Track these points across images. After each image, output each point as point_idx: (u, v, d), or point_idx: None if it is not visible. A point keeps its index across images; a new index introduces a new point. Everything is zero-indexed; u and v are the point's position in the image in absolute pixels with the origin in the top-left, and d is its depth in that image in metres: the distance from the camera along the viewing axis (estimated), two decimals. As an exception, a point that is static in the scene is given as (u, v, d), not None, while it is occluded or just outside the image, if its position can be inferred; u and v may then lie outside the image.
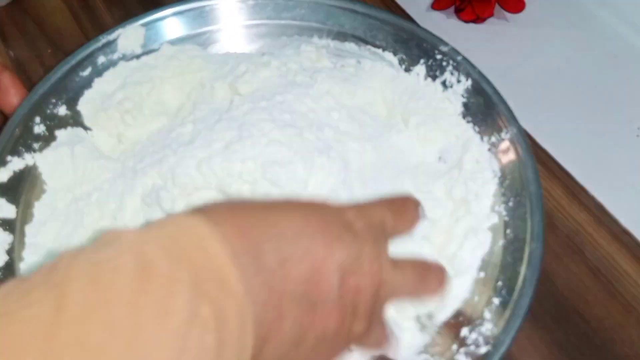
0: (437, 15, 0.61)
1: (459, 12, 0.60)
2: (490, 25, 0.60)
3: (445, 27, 0.60)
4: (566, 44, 0.59)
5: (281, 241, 0.28)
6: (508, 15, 0.61)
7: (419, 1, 0.62)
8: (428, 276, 0.34)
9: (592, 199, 0.48)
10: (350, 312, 0.30)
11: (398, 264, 0.33)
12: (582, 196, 0.48)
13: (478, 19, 0.60)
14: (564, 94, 0.55)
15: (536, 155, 0.44)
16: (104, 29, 0.60)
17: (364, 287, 0.30)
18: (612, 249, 0.45)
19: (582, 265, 0.45)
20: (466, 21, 0.60)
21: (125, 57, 0.51)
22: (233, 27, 0.54)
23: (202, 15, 0.53)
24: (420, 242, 0.41)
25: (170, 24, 0.52)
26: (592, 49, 0.58)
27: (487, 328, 0.38)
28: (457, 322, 0.39)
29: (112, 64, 0.51)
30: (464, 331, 0.38)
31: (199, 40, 0.53)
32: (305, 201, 0.31)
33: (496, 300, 0.39)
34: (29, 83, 0.56)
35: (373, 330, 0.32)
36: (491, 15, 0.60)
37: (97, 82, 0.50)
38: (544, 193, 0.42)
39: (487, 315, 0.38)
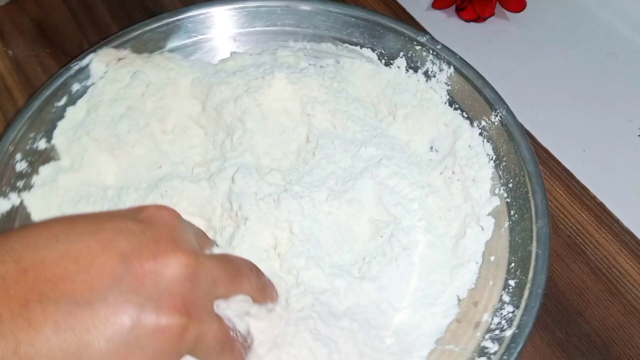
0: (438, 15, 0.61)
1: (459, 11, 0.60)
2: (491, 25, 0.60)
3: (445, 26, 0.60)
4: (567, 43, 0.59)
5: (28, 246, 0.26)
6: (509, 14, 0.61)
7: (419, 0, 0.62)
8: (242, 265, 0.32)
9: (593, 198, 0.48)
10: (151, 302, 0.26)
11: (209, 254, 0.30)
12: (583, 196, 0.48)
13: (479, 18, 0.60)
14: (565, 93, 0.55)
15: (537, 154, 0.44)
16: (103, 28, 0.60)
17: (163, 270, 0.27)
18: (613, 249, 0.45)
19: (584, 265, 0.45)
20: (467, 20, 0.60)
21: (98, 82, 0.48)
22: (208, 39, 0.52)
23: (175, 30, 0.52)
24: (423, 232, 0.41)
25: (144, 39, 0.51)
26: (592, 48, 0.58)
27: (509, 311, 0.37)
28: (476, 309, 0.38)
29: (86, 90, 0.48)
30: (485, 317, 0.38)
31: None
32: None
33: (512, 282, 0.38)
34: (27, 83, 0.56)
35: (205, 328, 0.28)
36: (492, 14, 0.60)
37: (70, 111, 0.47)
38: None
39: (506, 298, 0.38)
